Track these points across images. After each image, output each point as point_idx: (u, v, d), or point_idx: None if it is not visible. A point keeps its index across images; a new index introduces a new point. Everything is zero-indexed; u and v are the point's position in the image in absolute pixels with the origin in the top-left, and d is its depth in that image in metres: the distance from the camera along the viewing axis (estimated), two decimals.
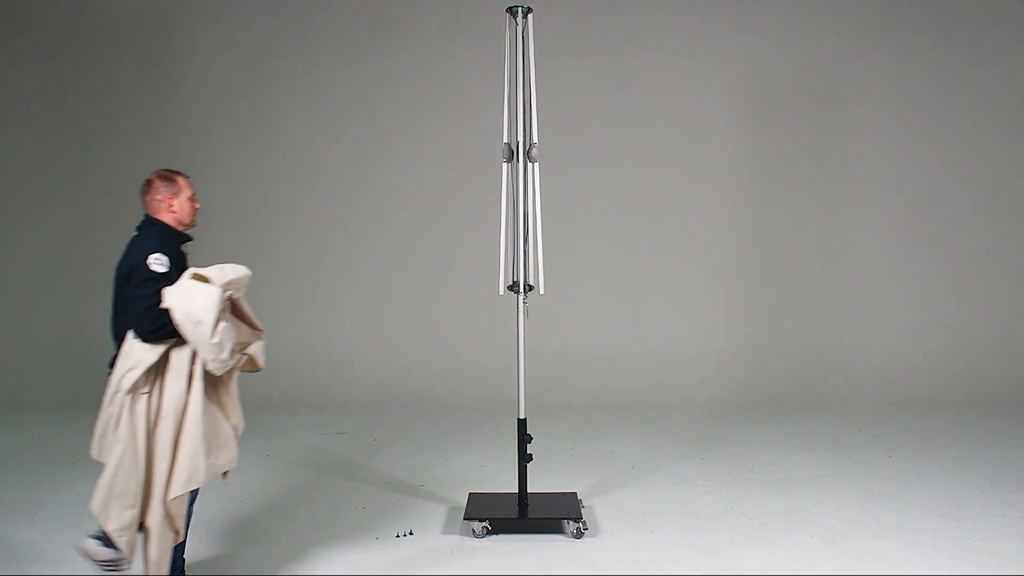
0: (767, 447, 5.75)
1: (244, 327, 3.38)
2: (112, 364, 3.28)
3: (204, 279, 3.24)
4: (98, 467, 3.22)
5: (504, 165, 4.29)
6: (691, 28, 7.49)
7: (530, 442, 4.40)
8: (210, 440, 3.26)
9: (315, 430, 6.25)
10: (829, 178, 7.49)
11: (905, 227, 7.47)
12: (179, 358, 3.22)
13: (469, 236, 7.41)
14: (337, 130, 7.54)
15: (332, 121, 7.54)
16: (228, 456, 3.34)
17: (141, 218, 3.49)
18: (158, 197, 3.44)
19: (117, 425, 3.18)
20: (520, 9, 4.26)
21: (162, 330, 3.15)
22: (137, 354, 3.19)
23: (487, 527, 4.20)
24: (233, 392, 3.40)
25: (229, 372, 3.35)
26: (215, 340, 3.15)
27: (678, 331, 7.40)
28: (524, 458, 4.37)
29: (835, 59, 7.43)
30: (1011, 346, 7.33)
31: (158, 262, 3.23)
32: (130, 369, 3.17)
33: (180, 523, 3.29)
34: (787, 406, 6.87)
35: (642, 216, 7.50)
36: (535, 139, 4.24)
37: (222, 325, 3.19)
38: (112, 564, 3.30)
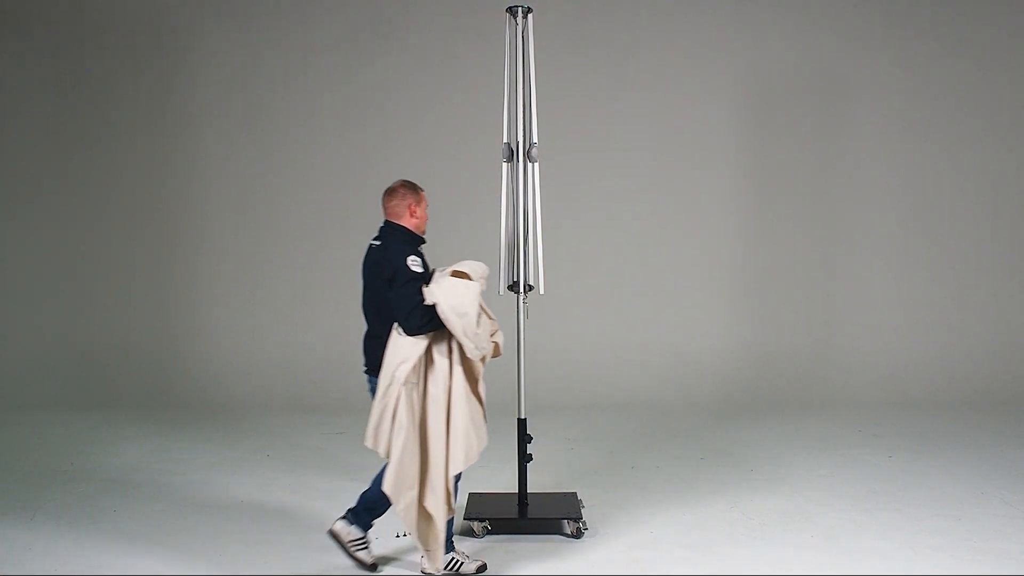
0: (767, 447, 5.75)
1: (484, 318, 3.71)
2: (368, 365, 3.69)
3: (464, 275, 3.62)
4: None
5: (504, 165, 4.29)
6: (692, 27, 7.47)
7: (530, 442, 4.40)
8: (474, 420, 3.66)
9: (315, 430, 6.24)
10: (830, 178, 7.48)
11: (906, 226, 7.47)
12: (439, 348, 3.61)
13: (469, 236, 7.38)
14: (336, 129, 7.53)
15: (330, 120, 7.53)
16: (484, 436, 3.73)
17: (382, 226, 3.82)
18: (404, 202, 3.78)
19: (395, 415, 3.53)
20: (520, 9, 4.26)
21: (429, 324, 3.53)
22: (407, 349, 3.54)
23: (487, 527, 4.20)
24: (480, 378, 3.73)
25: (481, 359, 3.70)
26: (479, 330, 3.56)
27: (678, 331, 7.39)
28: (524, 458, 4.37)
29: (835, 57, 7.42)
30: (1011, 346, 7.33)
31: (415, 263, 3.60)
32: (402, 362, 3.53)
33: (454, 500, 3.68)
34: (787, 406, 6.87)
35: (642, 216, 7.49)
36: (535, 139, 4.24)
37: (482, 316, 3.60)
38: (358, 543, 3.74)
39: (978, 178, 7.46)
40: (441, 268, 3.74)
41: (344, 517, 3.79)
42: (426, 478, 3.59)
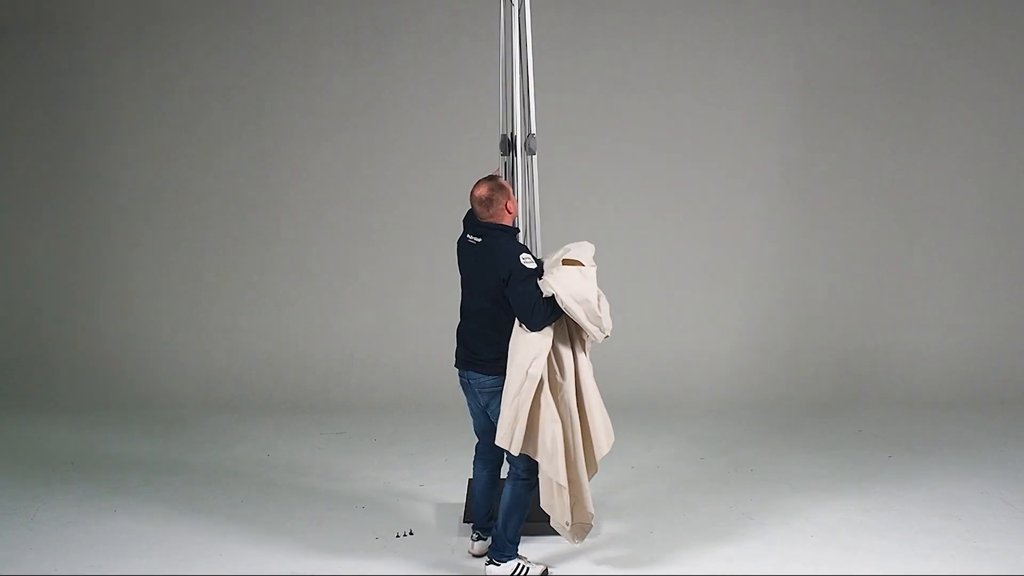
0: (767, 447, 5.75)
1: (603, 299, 3.69)
2: (466, 359, 3.73)
3: (577, 263, 3.62)
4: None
5: (501, 159, 4.22)
6: (702, 14, 7.30)
7: None
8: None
9: (315, 430, 6.24)
10: (830, 177, 7.46)
11: (906, 225, 7.44)
12: (561, 339, 3.61)
13: None
14: (332, 126, 7.51)
15: (327, 116, 7.50)
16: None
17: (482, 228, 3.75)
18: (500, 205, 3.71)
19: (537, 411, 3.52)
20: None
21: (552, 316, 3.54)
22: (536, 344, 3.52)
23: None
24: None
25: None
26: (601, 313, 3.56)
27: (680, 331, 7.37)
28: None
29: (840, 55, 7.40)
30: (1011, 346, 7.31)
31: (527, 260, 3.59)
32: (535, 358, 3.50)
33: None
34: (787, 406, 6.86)
35: (645, 213, 7.44)
36: (533, 129, 4.11)
37: (601, 298, 3.59)
38: (519, 569, 3.75)
39: (979, 177, 7.44)
40: (548, 256, 3.77)
41: (492, 562, 3.78)
42: (573, 462, 3.64)
